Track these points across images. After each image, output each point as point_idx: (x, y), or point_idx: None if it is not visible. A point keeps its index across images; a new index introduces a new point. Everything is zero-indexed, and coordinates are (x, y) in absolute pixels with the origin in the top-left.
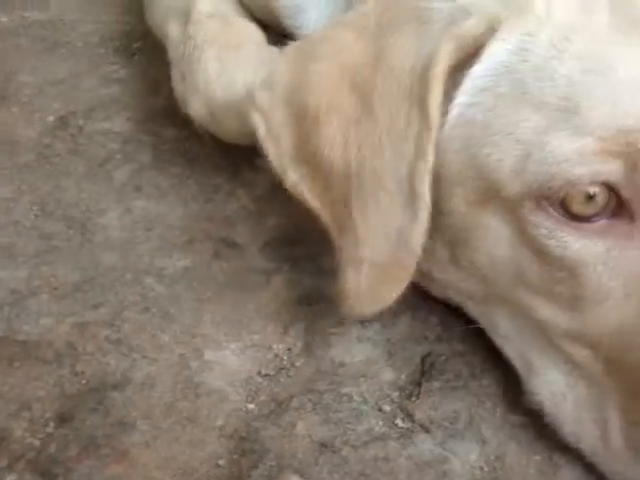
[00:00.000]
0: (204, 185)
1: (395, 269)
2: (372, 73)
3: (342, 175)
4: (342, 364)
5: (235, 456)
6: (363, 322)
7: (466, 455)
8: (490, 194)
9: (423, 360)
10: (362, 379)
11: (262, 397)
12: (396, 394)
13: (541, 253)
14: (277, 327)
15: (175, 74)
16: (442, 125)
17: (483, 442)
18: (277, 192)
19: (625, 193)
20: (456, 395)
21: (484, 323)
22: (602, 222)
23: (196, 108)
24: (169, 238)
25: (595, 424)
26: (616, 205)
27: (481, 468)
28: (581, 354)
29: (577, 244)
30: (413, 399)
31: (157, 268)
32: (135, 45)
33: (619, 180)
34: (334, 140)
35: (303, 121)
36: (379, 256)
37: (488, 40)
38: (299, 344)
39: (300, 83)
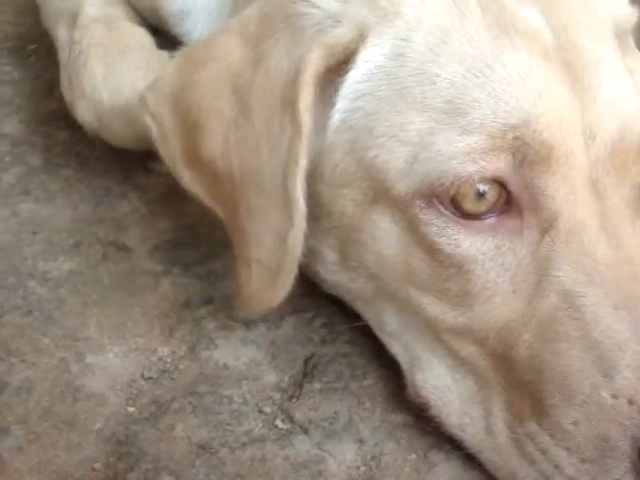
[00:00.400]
0: (95, 188)
1: (280, 270)
2: (251, 77)
3: (226, 177)
4: (226, 367)
5: (112, 459)
6: (248, 325)
7: (342, 455)
8: (378, 195)
9: (306, 362)
10: (245, 381)
11: (143, 400)
12: (278, 396)
13: (431, 251)
14: (163, 330)
15: (63, 78)
16: (324, 131)
17: (361, 442)
18: (170, 195)
19: (514, 188)
20: (336, 396)
21: (371, 321)
22: (492, 219)
23: (83, 112)
24: (55, 241)
25: (480, 418)
26: (505, 202)
27: (357, 468)
28: (468, 350)
29: (467, 241)
30: (294, 400)
31: (41, 271)
32: (31, 47)
33: (508, 175)
34: (215, 143)
35: (188, 125)
36: (265, 257)
37: (359, 47)
38: (184, 347)
39: (185, 87)
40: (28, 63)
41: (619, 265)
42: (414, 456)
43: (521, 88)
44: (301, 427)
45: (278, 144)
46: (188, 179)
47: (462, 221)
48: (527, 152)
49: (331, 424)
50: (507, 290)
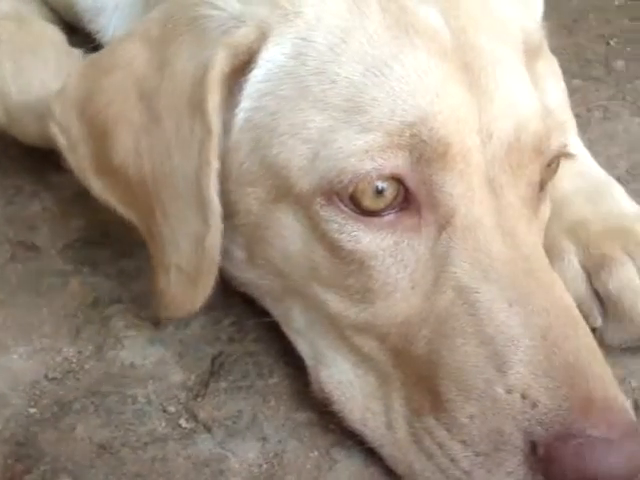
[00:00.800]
0: (5, 187)
1: (199, 273)
2: (157, 82)
3: (140, 184)
4: (132, 366)
5: (9, 461)
6: (157, 324)
7: (245, 453)
8: (281, 192)
9: (213, 361)
10: (150, 381)
11: (45, 401)
12: (183, 395)
13: (333, 248)
14: (69, 330)
15: None
16: (230, 130)
17: (264, 440)
18: (82, 194)
19: (412, 185)
20: (241, 395)
21: (280, 318)
22: (391, 216)
23: None
24: None
25: (381, 413)
26: (404, 199)
27: (259, 465)
28: (369, 345)
29: (367, 238)
30: (199, 399)
31: None
32: None
33: (405, 172)
34: (126, 150)
35: (97, 133)
36: (184, 261)
37: (261, 46)
38: (90, 347)
39: (91, 95)
40: None
41: (514, 262)
42: (316, 453)
43: (418, 87)
44: (205, 426)
45: (189, 147)
46: (99, 188)
47: (362, 218)
48: (424, 149)
49: (234, 423)
50: (406, 286)
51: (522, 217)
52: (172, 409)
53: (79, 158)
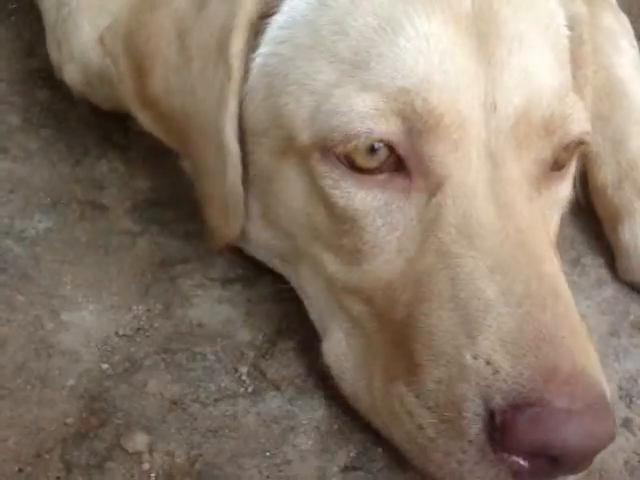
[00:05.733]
0: (74, 148)
1: (227, 206)
2: (193, 22)
3: (173, 119)
4: (200, 325)
5: (84, 415)
6: (224, 284)
7: (313, 411)
8: (287, 144)
9: (280, 320)
10: (219, 339)
11: (116, 357)
12: (251, 353)
13: (328, 204)
14: (138, 288)
15: (50, 41)
16: (248, 75)
17: (332, 398)
18: (148, 155)
19: (402, 152)
20: (308, 353)
21: (294, 284)
22: (384, 176)
23: (72, 76)
24: (33, 200)
25: (367, 383)
26: (396, 161)
27: (329, 423)
28: (357, 309)
29: (359, 195)
30: (267, 358)
31: (17, 230)
32: (11, 6)
33: (397, 139)
34: (159, 85)
35: (137, 67)
36: (217, 193)
37: None
38: (159, 305)
39: (135, 30)
40: (9, 23)
41: (504, 233)
42: None
43: (423, 50)
44: (273, 384)
45: (211, 88)
46: (144, 119)
47: (355, 175)
48: (415, 120)
49: (303, 381)
50: (393, 249)
51: (522, 192)
52: (241, 367)
53: (127, 90)
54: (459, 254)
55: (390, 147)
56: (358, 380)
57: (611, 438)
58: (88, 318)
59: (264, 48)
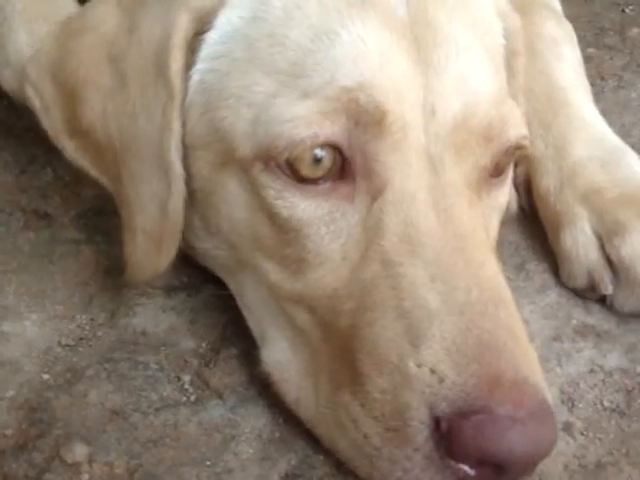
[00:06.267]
0: (19, 156)
1: (162, 237)
2: (126, 45)
3: (107, 146)
4: (144, 333)
5: (23, 426)
6: (169, 292)
7: (256, 419)
8: (227, 157)
9: (224, 328)
10: (162, 348)
11: (58, 367)
12: (195, 362)
13: (271, 215)
14: (82, 297)
15: None
16: (186, 92)
17: (275, 406)
18: None
19: (348, 153)
20: (252, 362)
21: (234, 292)
22: (327, 185)
23: (9, 81)
24: None
25: (311, 392)
26: (341, 168)
27: (270, 432)
28: (301, 318)
29: (302, 205)
30: (211, 366)
31: None
32: None
33: (342, 140)
34: (94, 112)
35: (67, 95)
36: (149, 224)
37: (220, 9)
38: (103, 314)
39: (62, 57)
40: None
41: (444, 239)
42: None
43: (362, 54)
44: (216, 392)
45: (153, 110)
46: (71, 150)
47: (298, 185)
48: (361, 114)
49: (246, 389)
50: (337, 257)
51: (462, 197)
52: (184, 375)
53: (52, 120)
54: (401, 262)
55: (335, 149)
56: (302, 388)
57: (554, 444)
58: (30, 328)
59: (200, 65)
